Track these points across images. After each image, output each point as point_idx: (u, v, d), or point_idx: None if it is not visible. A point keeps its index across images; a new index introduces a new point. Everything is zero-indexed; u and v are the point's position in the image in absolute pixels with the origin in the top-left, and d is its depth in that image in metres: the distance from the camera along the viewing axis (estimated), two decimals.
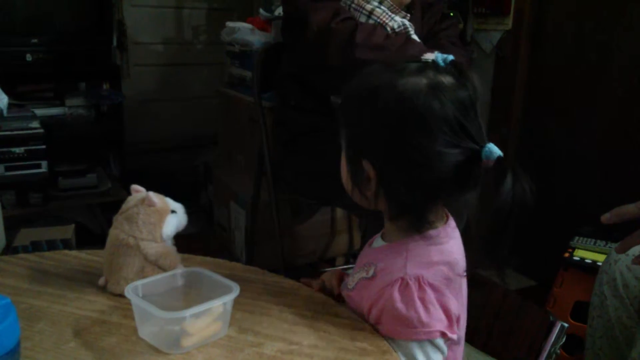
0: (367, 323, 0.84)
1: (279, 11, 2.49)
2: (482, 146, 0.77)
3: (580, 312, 1.71)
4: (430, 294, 0.78)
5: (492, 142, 1.03)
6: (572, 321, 1.73)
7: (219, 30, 2.69)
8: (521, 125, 2.58)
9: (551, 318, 0.91)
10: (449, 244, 0.83)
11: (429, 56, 0.82)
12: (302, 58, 1.77)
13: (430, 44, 1.78)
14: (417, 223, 0.82)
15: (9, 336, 0.53)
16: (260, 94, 2.04)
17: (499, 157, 0.75)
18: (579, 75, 2.33)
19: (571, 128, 2.37)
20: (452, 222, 0.85)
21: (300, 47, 1.75)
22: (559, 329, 0.89)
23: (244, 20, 2.61)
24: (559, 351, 0.91)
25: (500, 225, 0.76)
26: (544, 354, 0.89)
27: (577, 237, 1.88)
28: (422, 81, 0.78)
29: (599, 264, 1.70)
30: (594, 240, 1.84)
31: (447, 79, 0.79)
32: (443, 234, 0.83)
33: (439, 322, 0.78)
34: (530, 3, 2.44)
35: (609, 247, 1.78)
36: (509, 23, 2.47)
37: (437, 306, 0.78)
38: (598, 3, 2.25)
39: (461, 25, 2.58)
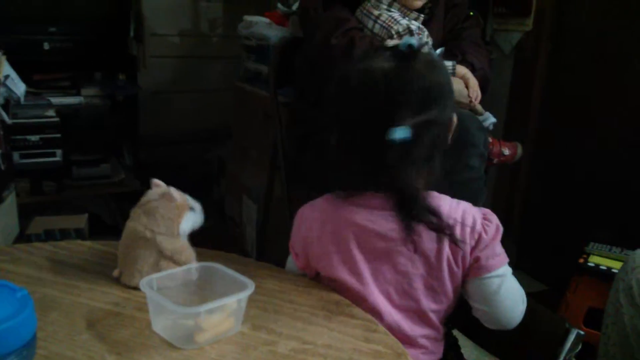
0: None
1: (296, 6, 2.48)
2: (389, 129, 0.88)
3: (593, 318, 1.69)
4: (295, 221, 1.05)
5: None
6: (584, 328, 1.71)
7: (235, 23, 2.68)
8: (539, 127, 2.56)
9: (567, 325, 0.90)
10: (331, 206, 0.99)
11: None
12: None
13: (452, 43, 1.77)
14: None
15: (26, 328, 0.53)
16: (276, 89, 2.03)
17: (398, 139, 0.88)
18: (600, 78, 2.30)
19: (590, 131, 2.34)
20: (375, 202, 0.95)
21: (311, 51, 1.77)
22: (575, 337, 0.87)
23: (261, 14, 2.61)
24: (573, 359, 0.90)
25: None
26: None
27: (592, 243, 1.86)
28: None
29: (614, 270, 1.68)
30: (609, 246, 1.82)
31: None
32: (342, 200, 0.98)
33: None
34: (551, 4, 2.42)
35: (625, 254, 1.76)
36: (529, 24, 2.45)
37: (294, 232, 1.05)
38: (619, 4, 2.23)
39: (481, 24, 2.56)
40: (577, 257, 1.85)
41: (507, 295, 0.95)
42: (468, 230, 0.93)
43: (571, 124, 2.43)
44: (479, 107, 1.70)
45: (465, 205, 0.97)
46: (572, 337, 0.88)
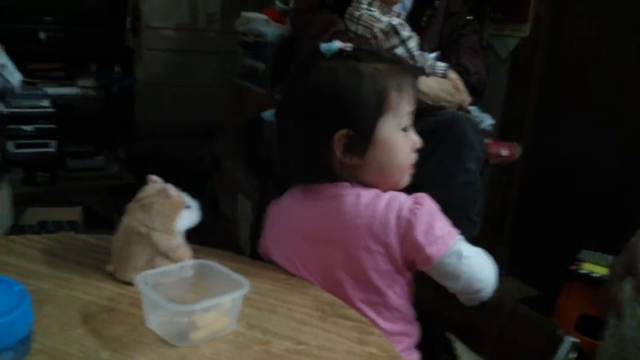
0: None
1: (294, 3, 2.48)
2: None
3: (585, 325, 1.70)
4: None
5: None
6: (576, 334, 1.72)
7: (233, 19, 2.68)
8: (533, 133, 2.57)
9: (560, 332, 0.91)
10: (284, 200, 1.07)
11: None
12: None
13: (451, 49, 1.78)
14: None
15: (22, 324, 0.53)
16: (273, 86, 2.03)
17: None
18: (595, 86, 2.31)
19: (584, 139, 2.35)
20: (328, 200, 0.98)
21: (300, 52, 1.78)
22: (571, 345, 0.88)
23: (259, 11, 2.60)
24: None
25: None
26: None
27: (584, 250, 1.87)
28: None
29: (607, 278, 1.69)
30: (601, 254, 1.83)
31: None
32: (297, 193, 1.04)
33: None
34: (548, 11, 2.43)
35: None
36: (526, 30, 2.46)
37: None
38: (616, 14, 2.24)
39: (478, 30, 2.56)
40: (569, 263, 1.85)
41: (470, 263, 0.93)
42: (392, 217, 0.92)
43: (565, 130, 2.44)
44: (468, 109, 1.72)
45: (393, 194, 0.96)
46: (565, 345, 0.88)
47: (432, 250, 0.91)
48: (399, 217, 0.92)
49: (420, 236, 0.91)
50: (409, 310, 1.00)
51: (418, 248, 0.91)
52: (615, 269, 1.18)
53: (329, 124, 0.94)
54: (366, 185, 0.98)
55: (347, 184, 0.97)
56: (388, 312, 0.97)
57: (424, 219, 0.91)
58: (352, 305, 0.93)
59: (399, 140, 0.97)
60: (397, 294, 0.97)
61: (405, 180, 1.01)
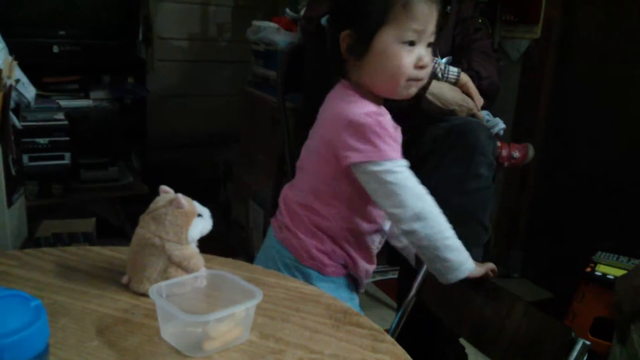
0: None
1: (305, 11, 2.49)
2: None
3: (600, 328, 1.69)
4: None
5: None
6: (591, 337, 1.71)
7: (244, 28, 2.70)
8: (546, 134, 2.56)
9: (573, 335, 0.90)
10: None
11: None
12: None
13: (463, 54, 1.78)
14: None
15: (39, 339, 0.53)
16: (283, 94, 2.03)
17: None
18: (607, 86, 2.30)
19: (597, 139, 2.34)
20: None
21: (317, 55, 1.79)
22: (581, 347, 0.87)
23: (269, 19, 2.62)
24: None
25: None
26: None
27: (599, 252, 1.86)
28: None
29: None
30: (616, 255, 1.82)
31: None
32: None
33: None
34: (559, 12, 2.42)
35: (632, 263, 1.76)
36: (537, 32, 2.45)
37: None
38: (627, 13, 2.23)
39: (490, 33, 2.56)
40: (584, 265, 1.84)
41: (393, 190, 1.03)
42: (350, 116, 1.04)
43: (578, 131, 2.42)
44: (479, 114, 1.71)
45: (374, 110, 1.07)
46: (578, 347, 0.88)
47: (348, 153, 1.04)
48: (352, 119, 1.04)
49: (349, 136, 1.04)
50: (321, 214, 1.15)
51: (342, 145, 1.05)
52: (623, 307, 1.17)
53: (340, 24, 1.08)
54: (366, 86, 1.10)
55: (350, 87, 1.11)
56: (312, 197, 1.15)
57: (364, 127, 1.03)
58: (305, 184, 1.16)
59: (397, 52, 1.05)
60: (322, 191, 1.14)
61: (403, 91, 1.09)
